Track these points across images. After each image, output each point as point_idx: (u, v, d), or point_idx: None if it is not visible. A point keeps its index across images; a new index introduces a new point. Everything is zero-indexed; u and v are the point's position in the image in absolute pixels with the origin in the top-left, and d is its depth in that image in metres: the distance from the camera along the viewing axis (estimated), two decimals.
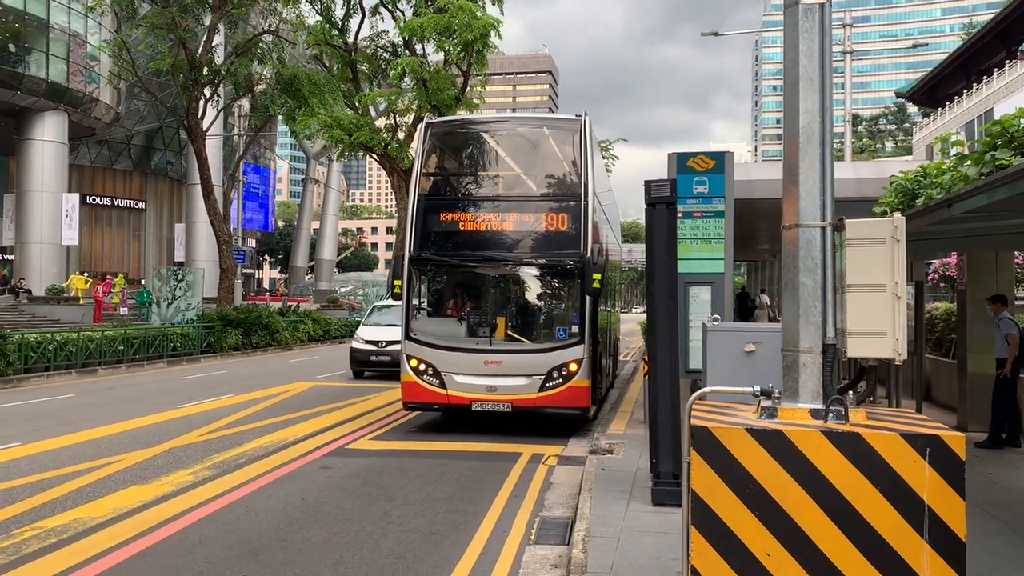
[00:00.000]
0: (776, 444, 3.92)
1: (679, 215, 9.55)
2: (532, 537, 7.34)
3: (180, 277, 32.07)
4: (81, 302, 35.90)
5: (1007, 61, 42.92)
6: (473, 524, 7.77)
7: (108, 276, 44.69)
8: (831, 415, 4.05)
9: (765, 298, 26.19)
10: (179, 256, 58.03)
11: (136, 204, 62.50)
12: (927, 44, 61.61)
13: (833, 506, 3.84)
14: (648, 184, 8.19)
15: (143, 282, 48.48)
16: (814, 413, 4.12)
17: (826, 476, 3.85)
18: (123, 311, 36.11)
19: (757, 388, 4.34)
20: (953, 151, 8.14)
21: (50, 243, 43.03)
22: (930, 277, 18.62)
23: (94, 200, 58.12)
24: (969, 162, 6.29)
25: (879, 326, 4.25)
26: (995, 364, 10.88)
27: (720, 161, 10.91)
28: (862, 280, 4.30)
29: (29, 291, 38.45)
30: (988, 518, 7.25)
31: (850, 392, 4.43)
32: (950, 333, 14.60)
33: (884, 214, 7.77)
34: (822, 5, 4.36)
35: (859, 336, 4.29)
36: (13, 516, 7.90)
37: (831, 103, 4.39)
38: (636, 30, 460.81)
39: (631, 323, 41.26)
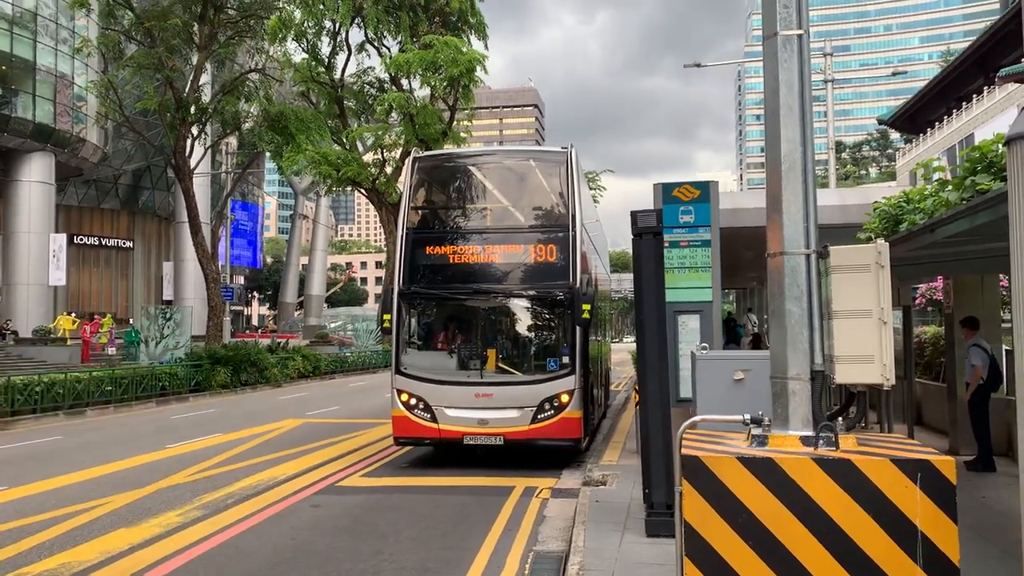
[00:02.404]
0: (767, 472, 3.91)
1: (666, 245, 9.59)
2: (526, 572, 7.27)
3: (168, 316, 31.92)
4: (69, 343, 35.65)
5: (985, 87, 43.57)
6: (467, 560, 7.69)
7: (96, 316, 44.43)
8: (822, 442, 4.05)
9: (753, 317, 26.26)
10: (167, 295, 57.84)
11: (124, 243, 62.35)
12: (907, 72, 62.58)
13: (826, 533, 3.82)
14: (634, 215, 8.23)
15: (131, 321, 48.25)
16: (804, 440, 4.12)
17: (818, 503, 3.84)
18: (111, 351, 35.87)
19: (747, 416, 4.34)
20: (935, 176, 8.22)
21: (37, 284, 42.79)
22: (917, 301, 18.71)
23: (82, 240, 57.96)
24: (950, 187, 6.36)
25: (866, 351, 4.27)
26: (966, 387, 10.94)
27: (705, 191, 10.98)
28: (848, 306, 4.32)
29: (16, 333, 38.16)
30: (982, 542, 7.22)
31: (840, 418, 4.44)
32: (939, 357, 14.64)
33: (869, 240, 7.82)
34: (800, 36, 4.43)
35: (847, 362, 4.30)
36: None
37: (812, 131, 4.45)
38: (618, 62, 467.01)
39: (622, 352, 41.21)
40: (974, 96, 44.62)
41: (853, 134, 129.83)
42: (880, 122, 69.69)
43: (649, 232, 8.21)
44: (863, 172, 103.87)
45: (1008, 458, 10.97)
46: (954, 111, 47.30)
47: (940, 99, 49.87)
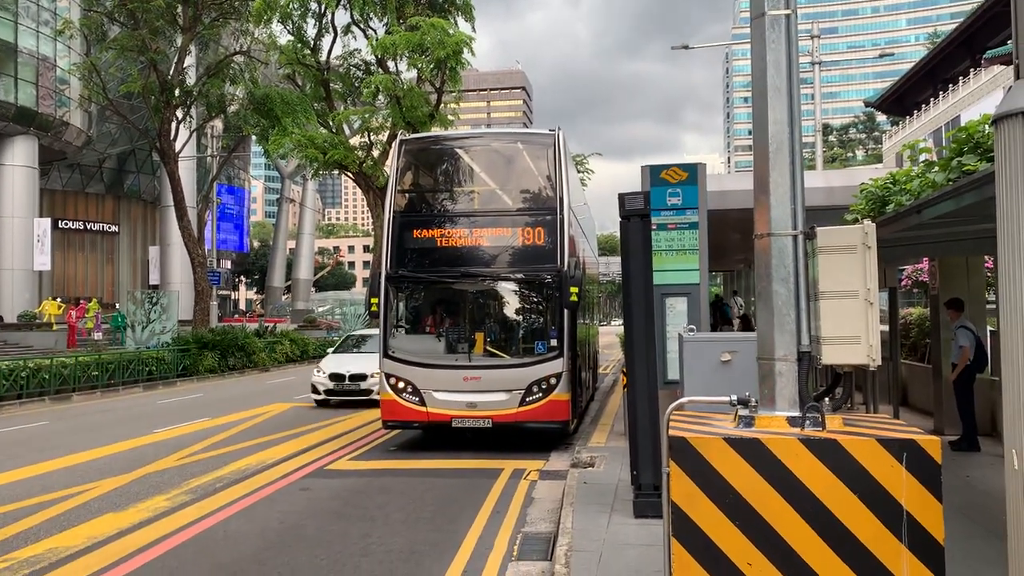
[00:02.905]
0: (754, 453, 3.92)
1: (653, 227, 9.58)
2: (515, 553, 7.30)
3: (155, 300, 31.74)
4: (54, 328, 35.41)
5: (972, 69, 43.68)
6: (455, 542, 7.71)
7: (82, 301, 44.13)
8: (808, 422, 4.06)
9: (739, 299, 26.44)
10: (153, 279, 57.47)
11: (109, 228, 61.87)
12: (893, 54, 62.56)
13: (812, 513, 3.84)
14: (622, 197, 8.21)
15: (117, 306, 47.98)
16: (791, 421, 4.14)
17: (805, 483, 3.86)
18: (97, 336, 35.66)
19: (734, 397, 4.35)
20: (921, 158, 8.24)
21: (22, 269, 42.46)
22: (903, 283, 18.83)
23: (66, 224, 57.47)
24: (937, 168, 6.37)
25: (853, 332, 4.28)
26: (951, 368, 11.02)
27: (693, 173, 10.96)
28: (835, 287, 4.33)
29: (0, 318, 37.88)
30: (967, 521, 7.30)
31: (826, 399, 4.46)
32: (924, 338, 14.74)
33: (855, 221, 7.84)
34: (787, 16, 4.41)
35: (833, 343, 4.32)
36: None
37: (799, 112, 4.44)
38: (605, 45, 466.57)
39: (610, 335, 41.29)
40: (961, 78, 44.74)
41: (840, 116, 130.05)
42: (867, 104, 69.83)
43: (637, 215, 8.20)
44: (850, 154, 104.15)
45: (992, 438, 11.09)
46: (941, 93, 47.43)
47: (927, 81, 49.99)
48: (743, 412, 4.26)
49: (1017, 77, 4.38)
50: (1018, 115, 3.82)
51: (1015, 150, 3.85)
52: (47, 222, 45.12)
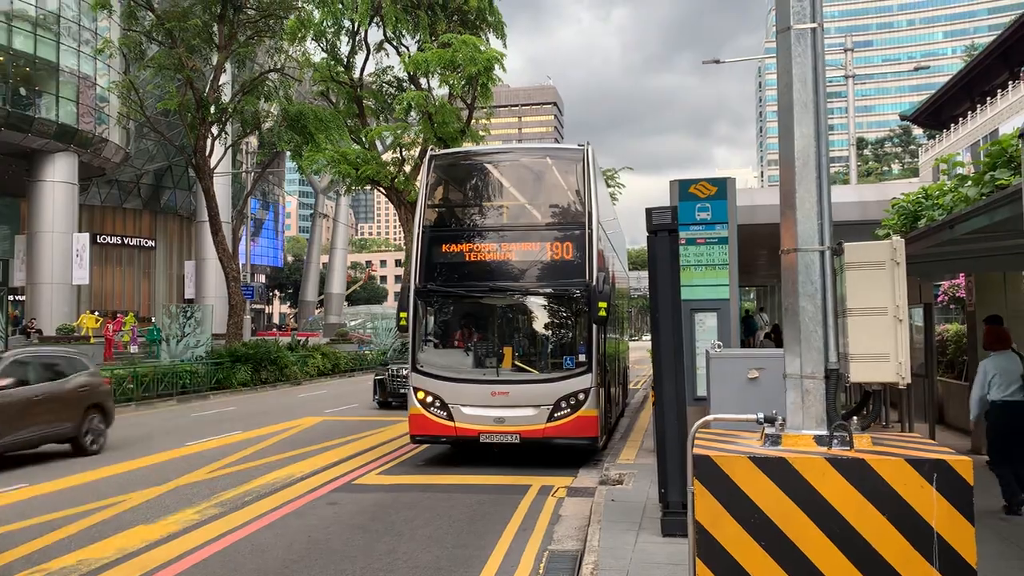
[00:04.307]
0: (780, 472, 3.86)
1: (682, 242, 9.53)
2: (541, 571, 7.25)
3: (189, 314, 32.11)
4: (92, 341, 36.00)
5: (1010, 82, 43.01)
6: (481, 559, 7.68)
7: (118, 314, 44.87)
8: (836, 441, 4.00)
9: (765, 316, 26.21)
10: (189, 293, 58.25)
11: (146, 242, 62.96)
12: (929, 67, 61.85)
13: (840, 534, 3.77)
14: (649, 212, 8.17)
15: (153, 320, 48.65)
16: (818, 439, 4.07)
17: (832, 504, 3.79)
18: (133, 349, 36.22)
19: (761, 415, 4.29)
20: (956, 171, 8.10)
21: (61, 283, 43.26)
22: (940, 299, 18.50)
23: (104, 239, 58.58)
24: (969, 183, 6.26)
25: (882, 350, 4.21)
26: None
27: (722, 187, 10.90)
28: (863, 304, 4.26)
29: (40, 331, 38.58)
30: (1001, 543, 7.12)
31: (855, 417, 4.38)
32: (961, 355, 14.46)
33: (887, 236, 7.73)
34: (813, 30, 4.37)
35: (862, 360, 4.24)
36: (17, 559, 7.84)
37: (826, 127, 4.39)
38: (636, 60, 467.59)
39: (640, 351, 40.99)
40: (999, 91, 44.08)
41: (875, 130, 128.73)
42: (903, 118, 69.02)
43: (664, 229, 8.14)
44: (886, 168, 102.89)
45: None
46: (978, 106, 46.75)
47: (964, 94, 49.33)
48: (769, 430, 4.20)
49: None
50: None
51: None
52: (86, 237, 45.98)
